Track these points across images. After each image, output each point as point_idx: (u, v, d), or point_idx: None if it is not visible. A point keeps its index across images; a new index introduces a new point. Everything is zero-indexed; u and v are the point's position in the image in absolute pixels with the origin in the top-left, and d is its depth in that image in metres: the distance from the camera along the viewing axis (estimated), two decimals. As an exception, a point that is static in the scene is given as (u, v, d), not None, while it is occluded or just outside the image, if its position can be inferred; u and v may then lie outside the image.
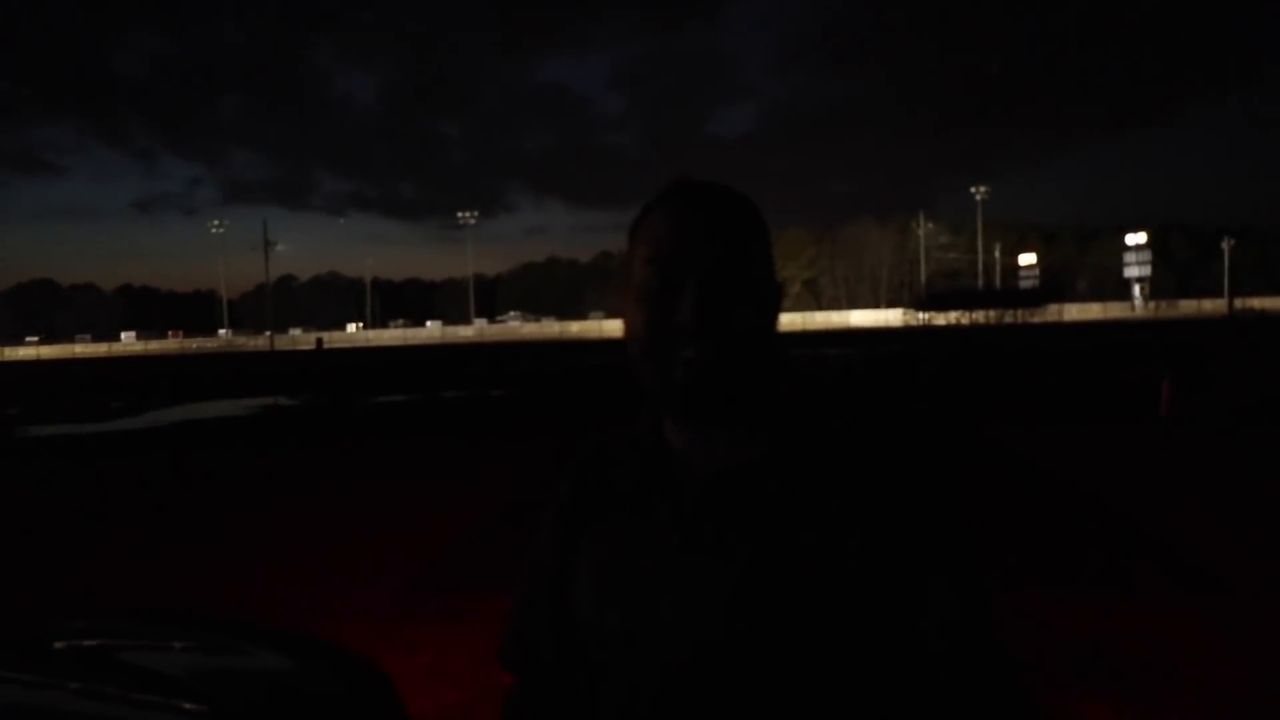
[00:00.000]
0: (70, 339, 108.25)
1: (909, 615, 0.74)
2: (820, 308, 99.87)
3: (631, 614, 0.81)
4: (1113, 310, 77.87)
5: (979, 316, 66.14)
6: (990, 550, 5.44)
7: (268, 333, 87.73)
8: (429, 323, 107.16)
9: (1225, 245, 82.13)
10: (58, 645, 1.50)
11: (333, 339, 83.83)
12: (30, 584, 5.58)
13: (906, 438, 0.82)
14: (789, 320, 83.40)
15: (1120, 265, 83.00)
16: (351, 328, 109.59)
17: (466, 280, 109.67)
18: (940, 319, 68.45)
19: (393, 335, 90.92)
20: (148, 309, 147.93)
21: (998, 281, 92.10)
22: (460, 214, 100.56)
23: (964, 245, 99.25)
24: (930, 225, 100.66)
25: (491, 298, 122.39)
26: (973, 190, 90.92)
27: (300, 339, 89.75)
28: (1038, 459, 8.89)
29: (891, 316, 78.21)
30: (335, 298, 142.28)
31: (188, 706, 1.26)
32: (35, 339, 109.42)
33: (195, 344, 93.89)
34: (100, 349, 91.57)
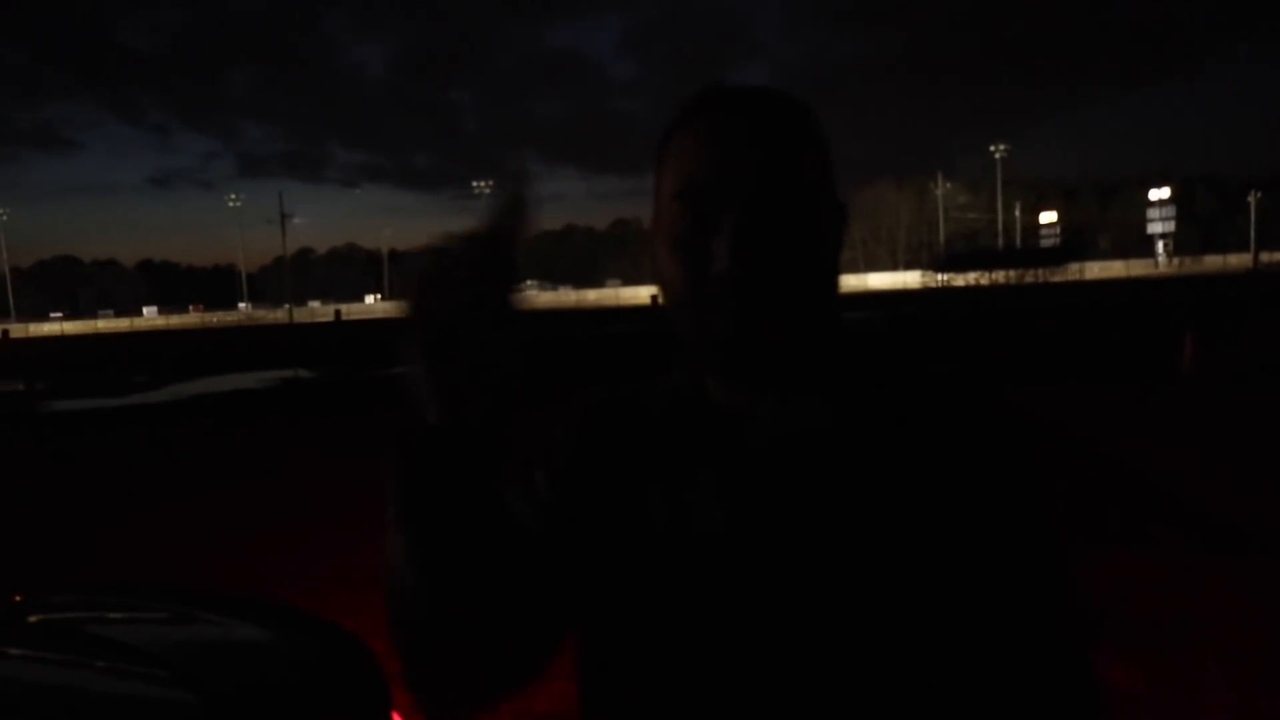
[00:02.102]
0: (93, 315, 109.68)
1: (1005, 584, 0.66)
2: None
3: (670, 604, 0.69)
4: (1135, 268, 76.69)
5: (999, 277, 65.30)
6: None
7: (286, 306, 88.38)
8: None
9: (1252, 198, 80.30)
10: (31, 619, 1.49)
11: (351, 311, 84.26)
12: (35, 554, 5.67)
13: (997, 397, 0.72)
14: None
15: (1143, 221, 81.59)
16: (370, 299, 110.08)
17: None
18: (960, 280, 67.72)
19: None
20: (168, 283, 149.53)
21: (1018, 241, 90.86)
22: (475, 183, 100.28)
23: (983, 205, 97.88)
24: (948, 185, 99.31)
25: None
26: (991, 148, 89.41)
27: (319, 311, 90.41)
28: (1056, 418, 8.78)
29: (910, 278, 77.45)
30: (353, 270, 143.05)
31: (158, 675, 1.24)
32: (59, 315, 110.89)
33: (216, 318, 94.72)
34: (123, 324, 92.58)
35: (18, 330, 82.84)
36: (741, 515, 0.68)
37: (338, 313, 73.17)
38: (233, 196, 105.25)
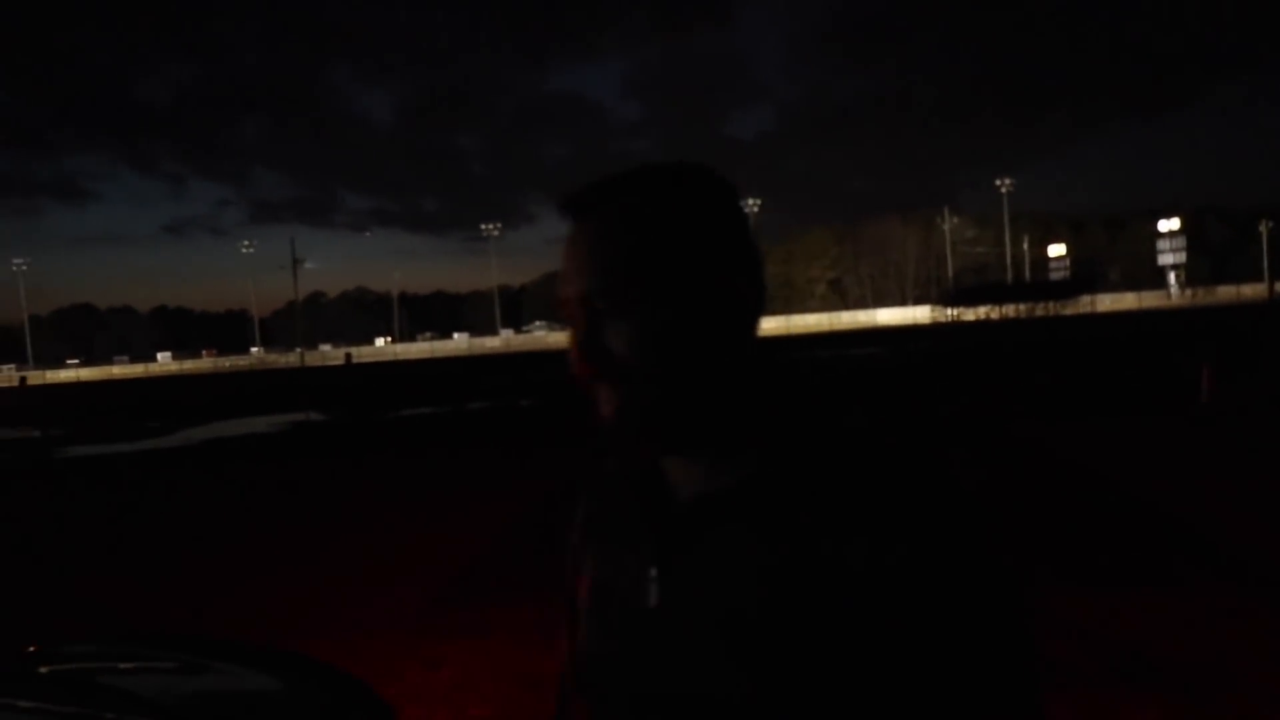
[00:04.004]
0: (108, 360, 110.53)
1: (923, 661, 0.60)
2: (846, 307, 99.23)
3: (611, 648, 0.74)
4: (1148, 299, 76.41)
5: (1009, 310, 65.19)
6: (1022, 549, 5.29)
7: (298, 349, 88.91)
8: (456, 334, 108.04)
9: (1263, 228, 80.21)
10: (42, 669, 1.47)
11: (362, 353, 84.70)
12: (50, 601, 5.64)
13: (919, 447, 0.68)
14: (815, 321, 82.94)
15: (1154, 253, 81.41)
16: (380, 342, 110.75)
17: (492, 291, 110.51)
18: (970, 314, 67.64)
19: (421, 348, 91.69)
20: (182, 329, 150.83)
21: (1027, 274, 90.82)
22: (483, 226, 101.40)
23: (991, 239, 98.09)
24: (955, 220, 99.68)
25: (517, 308, 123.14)
26: (997, 183, 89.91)
27: (330, 355, 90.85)
28: (1072, 454, 8.68)
29: (919, 313, 77.48)
30: (364, 312, 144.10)
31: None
32: (75, 361, 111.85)
33: (228, 362, 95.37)
34: (137, 370, 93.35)
35: (35, 377, 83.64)
36: (666, 570, 0.70)
37: (348, 355, 73.51)
38: (245, 243, 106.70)
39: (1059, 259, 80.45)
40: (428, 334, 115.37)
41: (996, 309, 66.38)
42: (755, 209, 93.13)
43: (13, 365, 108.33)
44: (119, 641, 1.67)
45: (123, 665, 1.48)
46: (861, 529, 0.62)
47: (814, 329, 75.83)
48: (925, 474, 0.65)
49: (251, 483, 10.76)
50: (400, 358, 79.17)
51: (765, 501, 0.66)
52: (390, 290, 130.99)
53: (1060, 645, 3.76)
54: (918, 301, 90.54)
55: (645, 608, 0.70)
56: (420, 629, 4.63)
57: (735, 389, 0.70)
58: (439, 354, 78.90)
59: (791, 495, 0.66)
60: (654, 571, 0.71)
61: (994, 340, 33.98)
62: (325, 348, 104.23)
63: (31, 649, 1.56)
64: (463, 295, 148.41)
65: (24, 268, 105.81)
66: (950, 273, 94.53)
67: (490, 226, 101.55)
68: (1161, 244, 79.40)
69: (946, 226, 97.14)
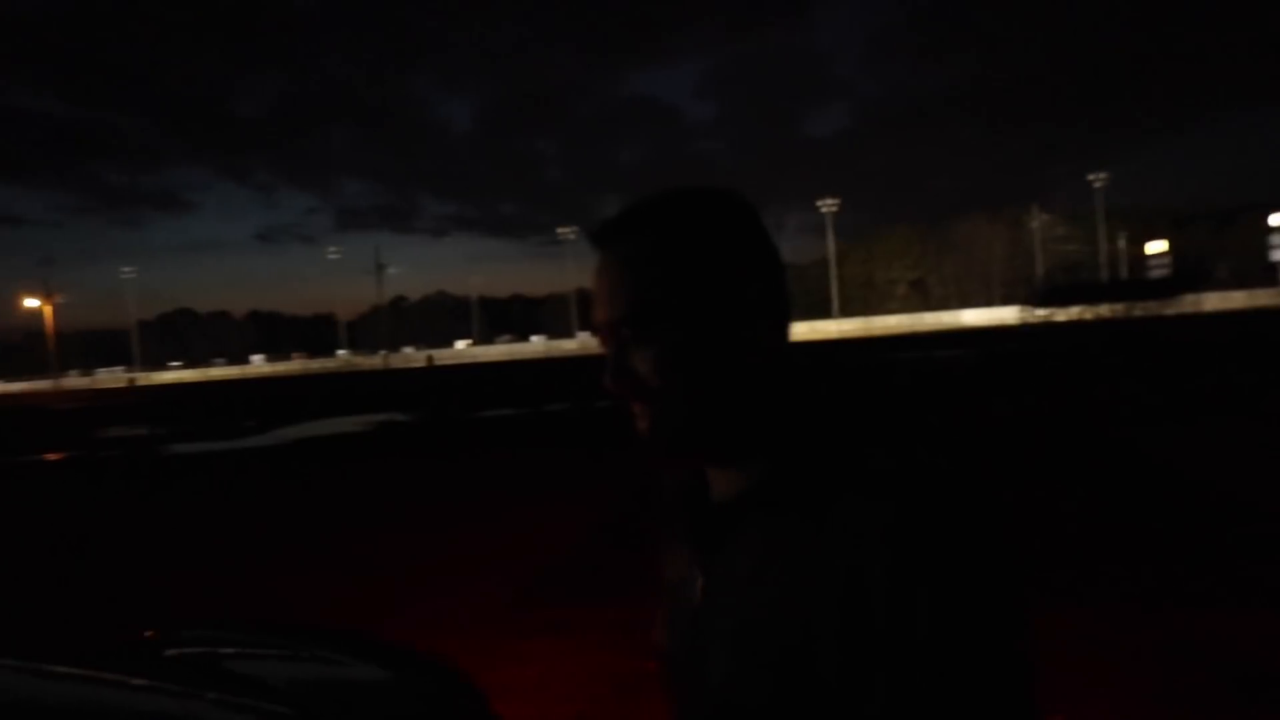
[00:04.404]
0: (207, 363, 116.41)
1: (906, 675, 0.58)
2: (929, 308, 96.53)
3: (674, 646, 0.80)
4: (1260, 298, 71.78)
5: (1104, 310, 62.22)
6: (1123, 564, 5.03)
7: (382, 352, 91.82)
8: (533, 337, 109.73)
9: (1386, 221, 74.51)
10: (168, 652, 1.54)
11: (442, 356, 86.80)
12: (153, 590, 5.94)
13: (921, 462, 0.65)
14: (896, 323, 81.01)
15: (1265, 248, 76.63)
16: (460, 344, 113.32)
17: (568, 295, 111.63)
18: (1061, 314, 64.83)
19: (499, 351, 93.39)
20: (273, 332, 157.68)
21: (1124, 273, 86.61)
22: (560, 229, 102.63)
23: (1083, 236, 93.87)
24: (1045, 217, 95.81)
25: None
26: (1090, 177, 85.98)
27: (412, 357, 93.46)
28: (1175, 460, 8.22)
29: (1006, 314, 74.70)
30: (444, 316, 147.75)
31: (282, 712, 1.26)
32: (177, 363, 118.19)
33: (317, 365, 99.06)
34: (233, 371, 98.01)
35: (142, 378, 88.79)
36: (694, 585, 0.77)
37: (430, 358, 75.49)
38: (332, 249, 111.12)
39: (1159, 256, 76.42)
40: (506, 336, 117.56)
41: (1090, 309, 63.44)
42: (833, 209, 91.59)
43: (122, 367, 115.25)
44: (236, 627, 1.74)
45: (240, 650, 1.54)
46: (850, 545, 0.62)
47: (895, 330, 74.09)
48: (917, 492, 0.62)
49: (341, 480, 11.13)
50: (480, 360, 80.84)
51: (767, 509, 0.70)
52: (469, 294, 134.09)
53: (1179, 667, 3.55)
54: (1004, 302, 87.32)
55: (694, 608, 0.76)
56: (506, 626, 4.69)
57: (756, 401, 0.73)
58: (517, 356, 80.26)
59: (791, 504, 0.68)
60: (698, 573, 0.76)
61: (1088, 341, 32.52)
62: (408, 350, 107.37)
63: (149, 633, 1.64)
64: (540, 298, 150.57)
65: (132, 275, 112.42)
66: (1039, 272, 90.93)
67: (567, 230, 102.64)
68: (1274, 239, 74.64)
69: (1036, 223, 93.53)
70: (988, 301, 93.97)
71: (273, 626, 1.86)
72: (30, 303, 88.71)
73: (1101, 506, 6.49)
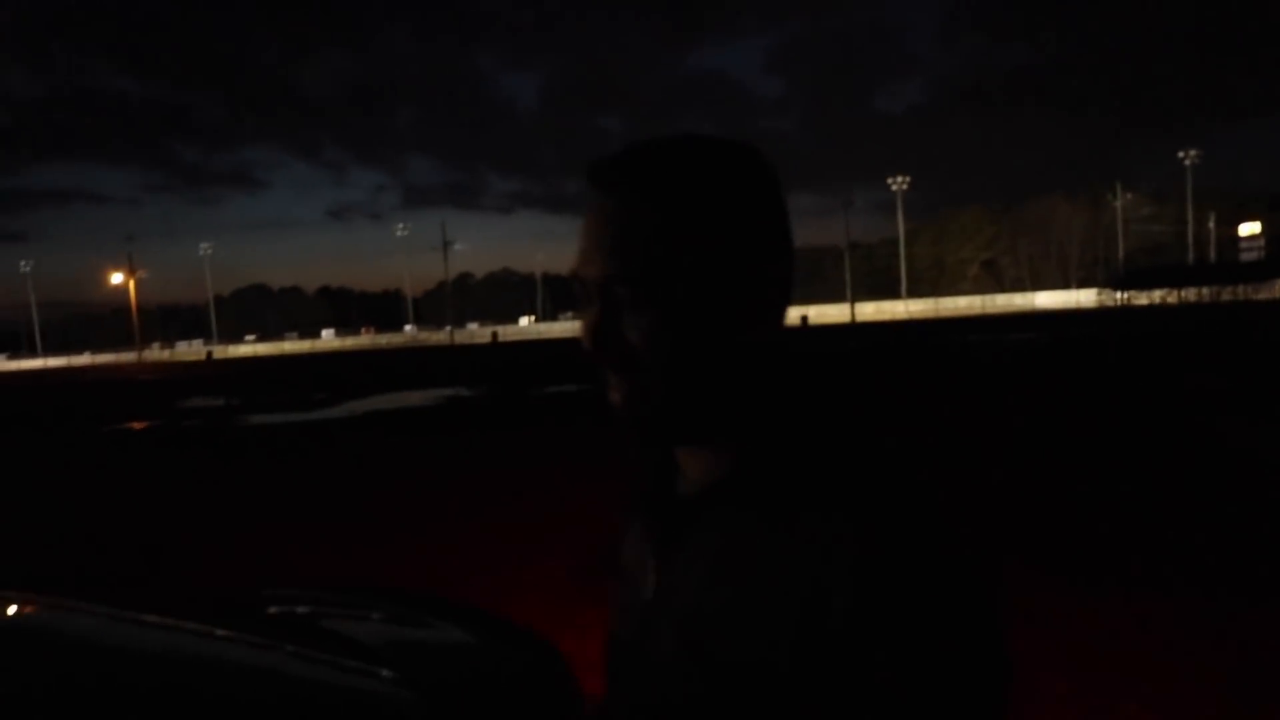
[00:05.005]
0: (280, 336, 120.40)
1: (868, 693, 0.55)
2: (1001, 289, 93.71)
3: (621, 634, 0.75)
4: (1363, 284, 67.45)
5: (1189, 294, 59.42)
6: (1199, 556, 4.84)
7: (448, 328, 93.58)
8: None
9: None
10: (271, 611, 1.61)
11: (507, 332, 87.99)
12: (236, 554, 6.21)
13: (892, 458, 0.62)
14: (967, 304, 78.92)
15: (1367, 231, 71.96)
16: (524, 321, 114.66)
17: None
18: (1142, 298, 62.22)
19: (562, 327, 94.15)
20: (343, 308, 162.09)
21: (1213, 256, 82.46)
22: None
23: (1169, 217, 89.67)
24: (1130, 196, 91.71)
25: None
26: (1180, 155, 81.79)
27: (477, 333, 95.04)
28: (1265, 452, 7.84)
29: (1083, 297, 72.14)
30: (508, 292, 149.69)
31: (384, 673, 1.30)
32: (252, 337, 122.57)
33: (385, 339, 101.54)
34: (305, 345, 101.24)
35: (219, 351, 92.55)
36: (661, 562, 0.70)
37: (495, 334, 76.55)
38: (400, 226, 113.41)
39: (1252, 238, 72.39)
40: (569, 313, 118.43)
41: (1174, 292, 60.65)
42: (904, 186, 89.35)
43: (200, 340, 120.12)
44: (333, 590, 1.81)
45: (337, 612, 1.60)
46: (817, 559, 0.57)
47: (965, 312, 72.16)
48: (888, 509, 0.58)
49: (410, 451, 11.43)
50: (543, 336, 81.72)
51: (734, 506, 0.65)
52: (533, 271, 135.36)
53: (1254, 657, 3.42)
54: (1081, 285, 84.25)
55: (645, 599, 0.71)
56: (571, 595, 4.76)
57: (747, 386, 0.67)
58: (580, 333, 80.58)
59: (759, 504, 0.63)
60: (652, 562, 0.71)
61: (1170, 326, 31.15)
62: (473, 326, 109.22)
63: (256, 592, 1.71)
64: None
65: (209, 252, 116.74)
66: (1121, 254, 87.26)
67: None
68: (1377, 221, 70.00)
69: (1118, 203, 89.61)
70: (1064, 284, 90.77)
71: (365, 589, 1.93)
72: (115, 278, 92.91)
73: (1178, 498, 6.24)
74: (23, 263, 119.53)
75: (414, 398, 20.61)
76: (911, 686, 0.54)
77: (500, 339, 73.55)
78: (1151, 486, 6.69)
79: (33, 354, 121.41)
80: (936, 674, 0.54)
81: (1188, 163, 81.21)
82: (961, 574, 0.56)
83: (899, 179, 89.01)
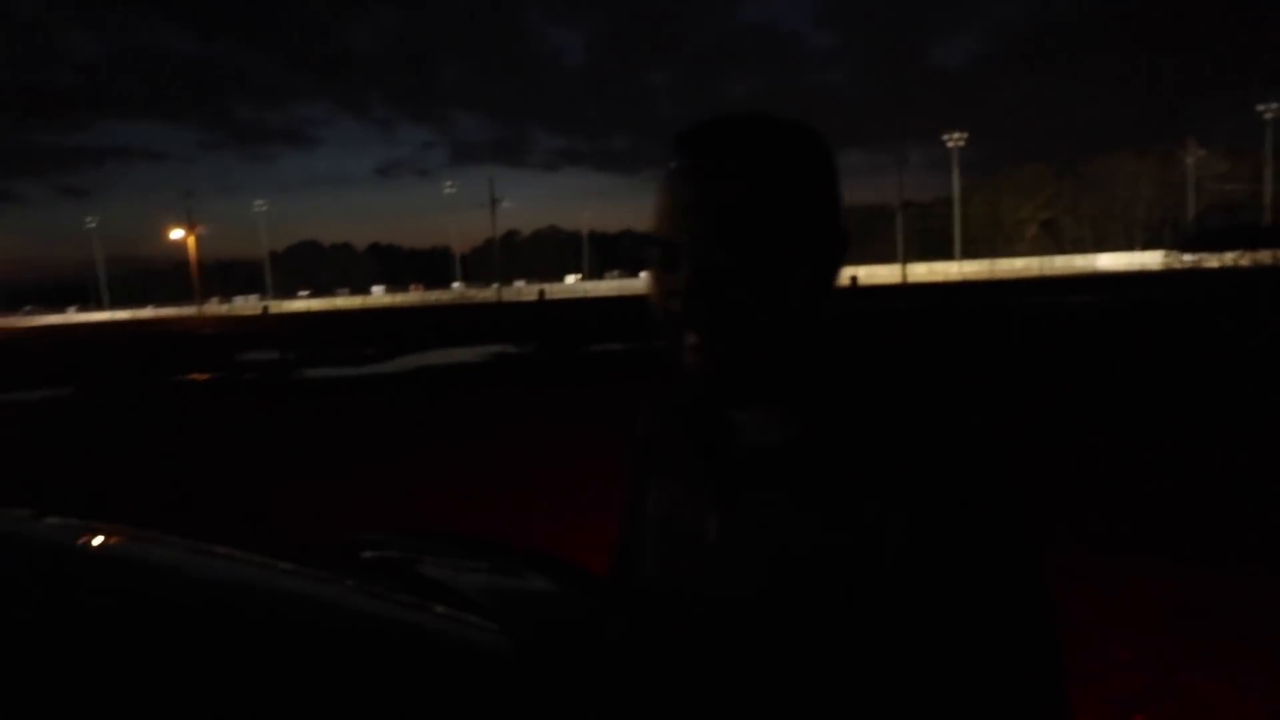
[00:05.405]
0: (332, 292, 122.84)
1: (944, 614, 0.64)
2: (1061, 250, 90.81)
3: (674, 577, 0.79)
4: None
5: (1265, 257, 56.72)
6: (1262, 529, 4.66)
7: (495, 285, 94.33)
8: (642, 273, 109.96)
9: None
10: (365, 554, 1.62)
11: (553, 290, 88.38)
12: (308, 499, 6.37)
13: (959, 413, 0.68)
14: (1024, 265, 76.72)
15: None
16: (570, 279, 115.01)
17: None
18: (1213, 260, 59.56)
19: (609, 286, 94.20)
20: (392, 264, 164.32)
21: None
22: (671, 164, 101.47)
23: (1246, 174, 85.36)
24: (1202, 153, 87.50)
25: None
26: (1260, 108, 77.48)
27: (524, 290, 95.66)
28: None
29: (1149, 259, 69.43)
30: (555, 250, 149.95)
31: (482, 621, 1.30)
32: (305, 293, 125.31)
33: (434, 296, 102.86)
34: (356, 301, 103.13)
35: (274, 306, 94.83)
36: (728, 513, 0.74)
37: (541, 292, 76.95)
38: (448, 183, 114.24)
39: (1333, 197, 68.80)
40: (615, 272, 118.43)
41: (1247, 254, 57.93)
42: (960, 143, 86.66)
43: (256, 295, 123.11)
44: (419, 537, 1.83)
45: (426, 557, 1.62)
46: (894, 500, 0.65)
47: (1022, 274, 70.21)
48: (958, 448, 0.66)
49: (461, 406, 11.58)
50: (590, 295, 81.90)
51: (806, 465, 0.70)
52: (579, 229, 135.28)
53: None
54: (1146, 246, 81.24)
55: (706, 544, 0.75)
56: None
57: (807, 346, 0.72)
58: (626, 292, 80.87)
59: (831, 460, 0.69)
60: (714, 514, 0.75)
61: (1243, 291, 29.86)
62: (519, 284, 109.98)
63: (351, 537, 1.74)
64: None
65: (264, 208, 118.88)
66: (1191, 214, 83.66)
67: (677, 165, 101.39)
68: None
69: (1190, 160, 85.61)
70: (1127, 245, 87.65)
71: (444, 536, 1.94)
72: (175, 234, 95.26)
73: (1255, 475, 6.01)
74: (88, 218, 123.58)
75: (463, 354, 20.87)
76: (995, 607, 0.63)
77: (546, 296, 73.95)
78: (1229, 463, 6.46)
79: (99, 307, 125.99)
80: (1014, 595, 0.64)
81: (1267, 116, 77.03)
82: (1020, 510, 0.65)
83: (955, 135, 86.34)
